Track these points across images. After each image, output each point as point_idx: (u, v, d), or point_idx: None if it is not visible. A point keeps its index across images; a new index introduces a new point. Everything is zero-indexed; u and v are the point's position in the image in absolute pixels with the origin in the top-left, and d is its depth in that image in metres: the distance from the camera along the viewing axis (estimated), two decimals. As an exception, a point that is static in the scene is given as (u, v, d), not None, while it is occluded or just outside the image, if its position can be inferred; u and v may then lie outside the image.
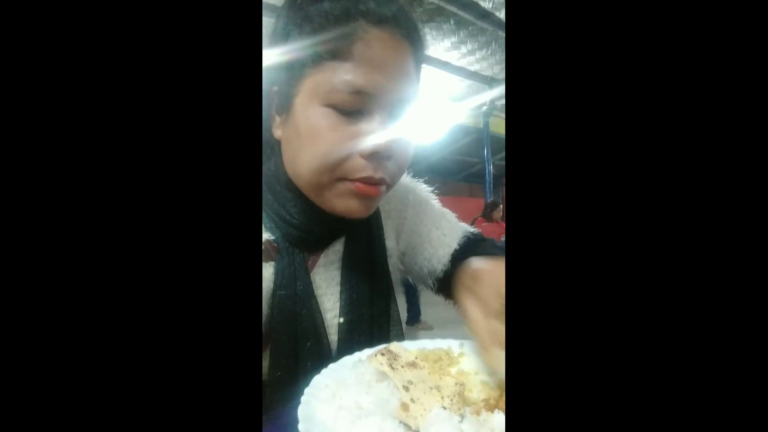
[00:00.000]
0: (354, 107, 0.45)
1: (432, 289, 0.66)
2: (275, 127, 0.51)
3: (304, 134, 0.47)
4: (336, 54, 0.45)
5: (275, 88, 0.50)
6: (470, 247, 0.63)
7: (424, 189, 0.69)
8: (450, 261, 0.62)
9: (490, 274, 0.45)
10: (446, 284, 0.62)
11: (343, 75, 0.44)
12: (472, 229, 0.67)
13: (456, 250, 0.62)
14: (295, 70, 0.47)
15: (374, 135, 0.46)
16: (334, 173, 0.47)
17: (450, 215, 0.68)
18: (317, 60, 0.45)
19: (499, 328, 0.40)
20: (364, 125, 0.46)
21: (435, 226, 0.65)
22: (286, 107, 0.49)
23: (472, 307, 0.43)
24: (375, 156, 0.46)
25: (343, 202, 0.49)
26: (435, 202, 0.68)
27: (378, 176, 0.47)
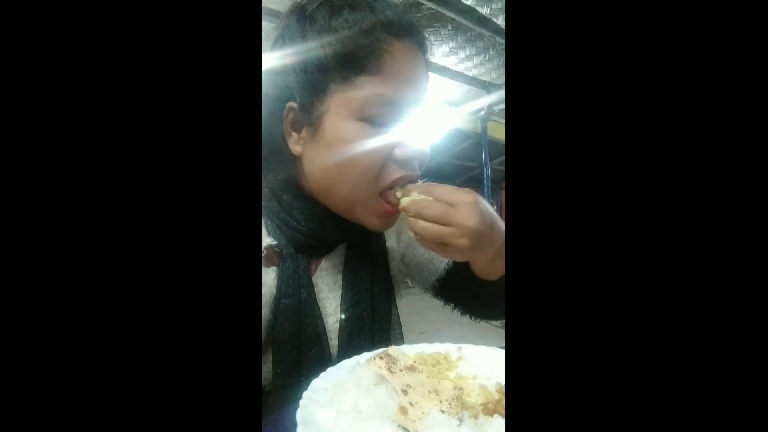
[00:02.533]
0: (386, 119, 0.47)
1: (430, 292, 0.65)
2: (293, 144, 0.52)
3: (338, 150, 0.48)
4: (364, 68, 0.46)
5: (292, 104, 0.50)
6: None
7: None
8: (445, 269, 0.62)
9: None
10: (448, 285, 0.62)
11: (375, 89, 0.46)
12: None
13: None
14: (319, 87, 0.48)
15: (406, 140, 0.48)
16: (373, 185, 0.49)
17: None
18: (346, 77, 0.46)
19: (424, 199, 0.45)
20: (393, 134, 0.48)
21: None
22: (311, 122, 0.49)
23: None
24: (408, 160, 0.49)
25: (372, 220, 0.51)
26: None
27: (414, 174, 0.50)
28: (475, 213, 0.44)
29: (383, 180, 0.49)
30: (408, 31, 0.49)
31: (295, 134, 0.51)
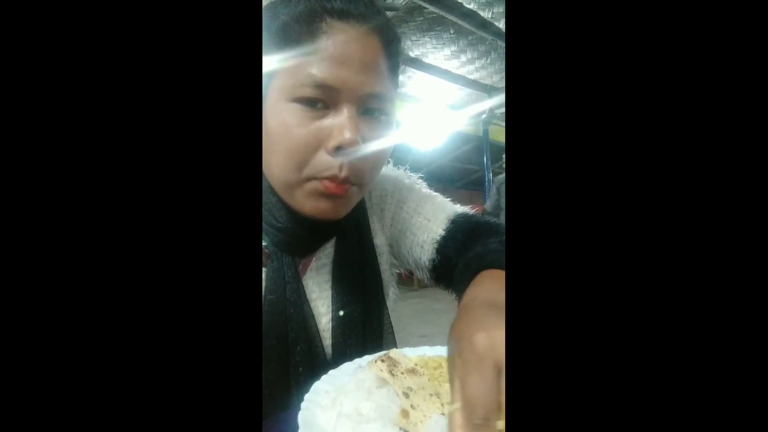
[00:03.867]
0: (318, 100, 0.45)
1: (429, 275, 0.59)
2: None
3: (272, 132, 0.46)
4: (300, 49, 0.44)
5: None
6: (460, 233, 0.55)
7: (406, 176, 0.65)
8: (436, 250, 0.56)
9: (477, 354, 0.29)
10: (441, 276, 0.57)
11: (306, 69, 0.44)
12: (461, 210, 0.60)
13: (442, 237, 0.56)
14: (267, 72, 0.47)
15: (341, 130, 0.45)
16: (302, 171, 0.46)
17: (437, 198, 0.62)
18: (284, 58, 0.45)
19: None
20: (330, 120, 0.45)
21: (416, 212, 0.60)
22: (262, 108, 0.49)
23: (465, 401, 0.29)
24: (341, 151, 0.45)
25: (311, 203, 0.48)
26: (418, 186, 0.64)
27: (343, 175, 0.46)
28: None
29: (313, 168, 0.46)
30: (355, 15, 0.46)
31: None
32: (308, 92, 0.44)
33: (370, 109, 0.48)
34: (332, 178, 0.46)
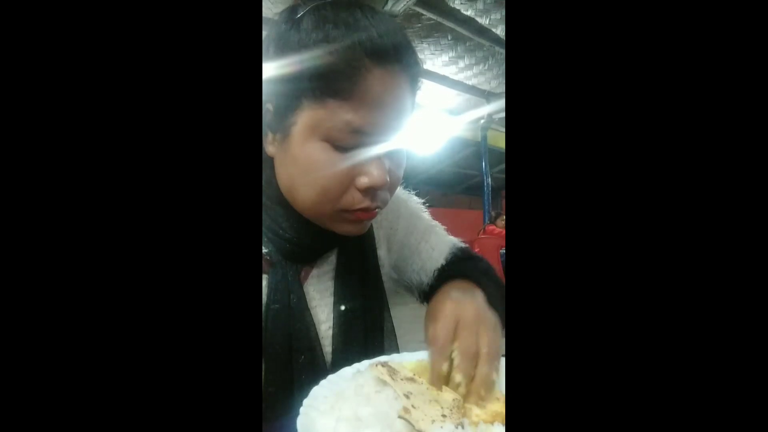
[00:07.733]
0: (351, 145, 0.46)
1: (418, 300, 0.67)
2: (267, 143, 0.51)
3: (301, 165, 0.47)
4: (336, 92, 0.44)
5: (269, 105, 0.49)
6: (457, 263, 0.65)
7: (415, 201, 0.70)
8: (436, 276, 0.63)
9: (446, 314, 0.44)
10: (430, 297, 0.62)
11: (343, 115, 0.44)
12: (460, 244, 0.69)
13: (443, 266, 0.64)
14: (293, 97, 0.46)
15: (371, 170, 0.47)
16: (335, 205, 0.48)
17: (439, 229, 0.69)
18: (318, 96, 0.44)
19: (442, 367, 0.40)
20: (359, 159, 0.47)
21: (424, 240, 0.67)
22: (282, 129, 0.48)
23: (428, 340, 0.43)
24: (371, 190, 0.48)
25: (342, 227, 0.51)
26: (425, 215, 0.70)
27: (374, 205, 0.49)
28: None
29: (345, 203, 0.48)
30: (392, 57, 0.45)
31: (270, 134, 0.51)
32: (343, 137, 0.45)
33: (391, 140, 0.49)
34: (365, 210, 0.49)
